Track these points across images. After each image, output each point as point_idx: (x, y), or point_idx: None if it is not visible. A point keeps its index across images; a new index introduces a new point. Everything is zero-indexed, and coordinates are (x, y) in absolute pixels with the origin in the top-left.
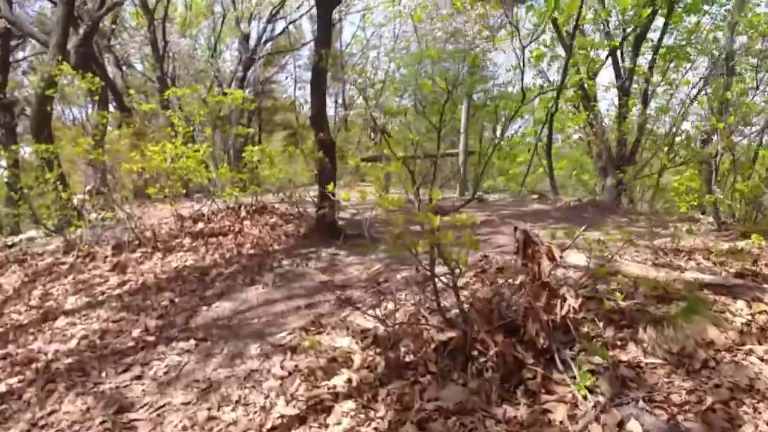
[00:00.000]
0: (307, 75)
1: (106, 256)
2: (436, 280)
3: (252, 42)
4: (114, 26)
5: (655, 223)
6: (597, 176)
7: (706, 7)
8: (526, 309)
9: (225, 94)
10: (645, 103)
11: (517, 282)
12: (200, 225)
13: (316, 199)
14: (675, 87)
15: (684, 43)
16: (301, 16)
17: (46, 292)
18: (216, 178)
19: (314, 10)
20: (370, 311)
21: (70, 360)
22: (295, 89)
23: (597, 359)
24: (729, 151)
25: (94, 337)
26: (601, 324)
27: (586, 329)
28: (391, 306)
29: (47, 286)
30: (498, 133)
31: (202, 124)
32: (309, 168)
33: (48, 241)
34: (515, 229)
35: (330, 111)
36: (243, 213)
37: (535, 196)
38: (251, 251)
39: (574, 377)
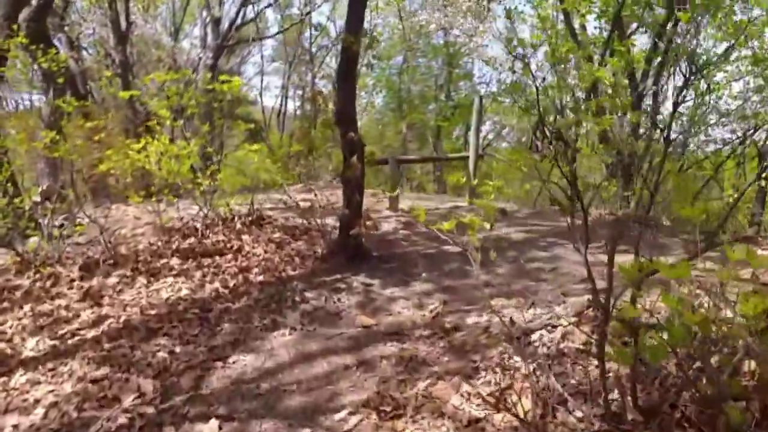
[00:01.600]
0: (272, 67)
1: (73, 280)
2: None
3: (222, 28)
4: (68, 1)
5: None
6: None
7: None
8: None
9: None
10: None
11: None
12: (189, 240)
13: (342, 212)
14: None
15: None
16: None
17: None
18: (208, 183)
19: None
20: (465, 383)
21: None
22: (261, 82)
23: None
24: None
25: (68, 407)
26: None
27: None
28: (490, 378)
29: None
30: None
31: (192, 116)
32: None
33: None
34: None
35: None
36: (238, 225)
37: (556, 208)
38: (260, 278)
39: None
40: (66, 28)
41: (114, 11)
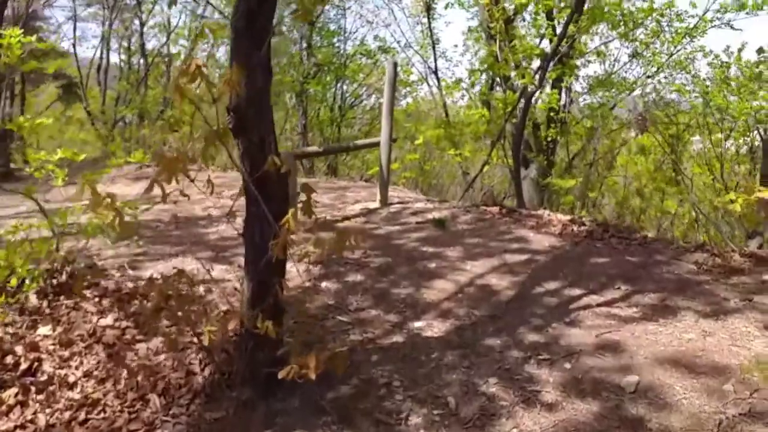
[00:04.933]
0: (87, 12)
1: None
2: None
3: None
4: None
5: None
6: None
7: None
8: None
9: None
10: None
11: None
12: None
13: (247, 315)
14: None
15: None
16: None
17: None
18: None
19: None
20: None
21: None
22: (75, 29)
23: None
24: None
25: None
26: None
27: None
28: None
29: None
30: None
31: None
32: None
33: None
34: None
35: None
36: (32, 299)
37: (496, 209)
38: None
39: None
40: None
41: None
